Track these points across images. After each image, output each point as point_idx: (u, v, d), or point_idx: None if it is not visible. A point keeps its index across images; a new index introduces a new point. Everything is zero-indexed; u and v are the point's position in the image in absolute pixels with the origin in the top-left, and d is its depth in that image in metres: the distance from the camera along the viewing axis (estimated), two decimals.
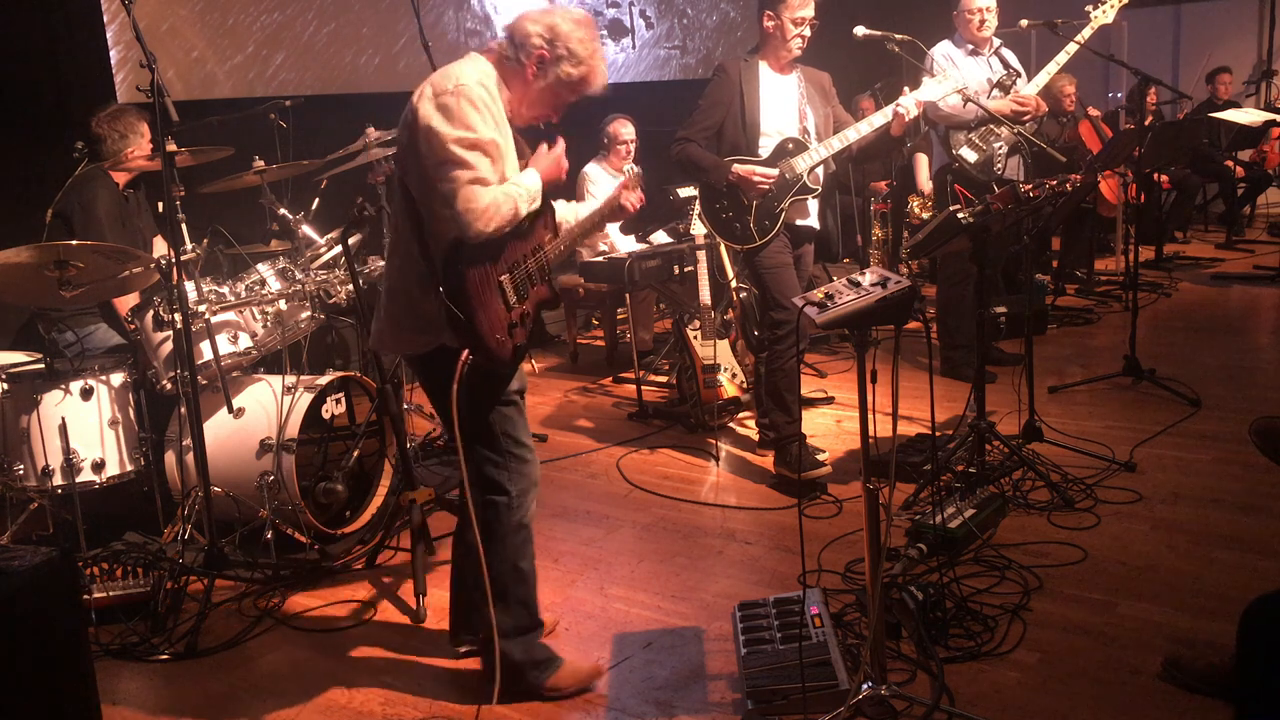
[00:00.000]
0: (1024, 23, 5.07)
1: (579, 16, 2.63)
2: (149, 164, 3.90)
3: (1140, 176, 5.93)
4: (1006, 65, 5.08)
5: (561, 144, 2.71)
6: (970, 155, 4.94)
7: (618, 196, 2.91)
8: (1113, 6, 4.82)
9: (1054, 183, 3.88)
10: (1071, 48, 4.81)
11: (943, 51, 5.02)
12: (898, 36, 4.16)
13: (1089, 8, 4.82)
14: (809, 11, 3.98)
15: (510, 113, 2.59)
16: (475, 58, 2.58)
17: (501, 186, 2.48)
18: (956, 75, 4.13)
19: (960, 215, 3.54)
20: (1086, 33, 4.80)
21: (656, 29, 8.53)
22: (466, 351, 2.50)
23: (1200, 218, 9.73)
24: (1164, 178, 8.44)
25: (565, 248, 2.80)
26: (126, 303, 3.94)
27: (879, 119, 3.94)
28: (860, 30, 4.15)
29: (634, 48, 8.29)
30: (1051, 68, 4.90)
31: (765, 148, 4.05)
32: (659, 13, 8.55)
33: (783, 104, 4.09)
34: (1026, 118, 4.87)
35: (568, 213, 2.90)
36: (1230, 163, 8.81)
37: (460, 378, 2.50)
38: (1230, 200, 9.01)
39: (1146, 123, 5.54)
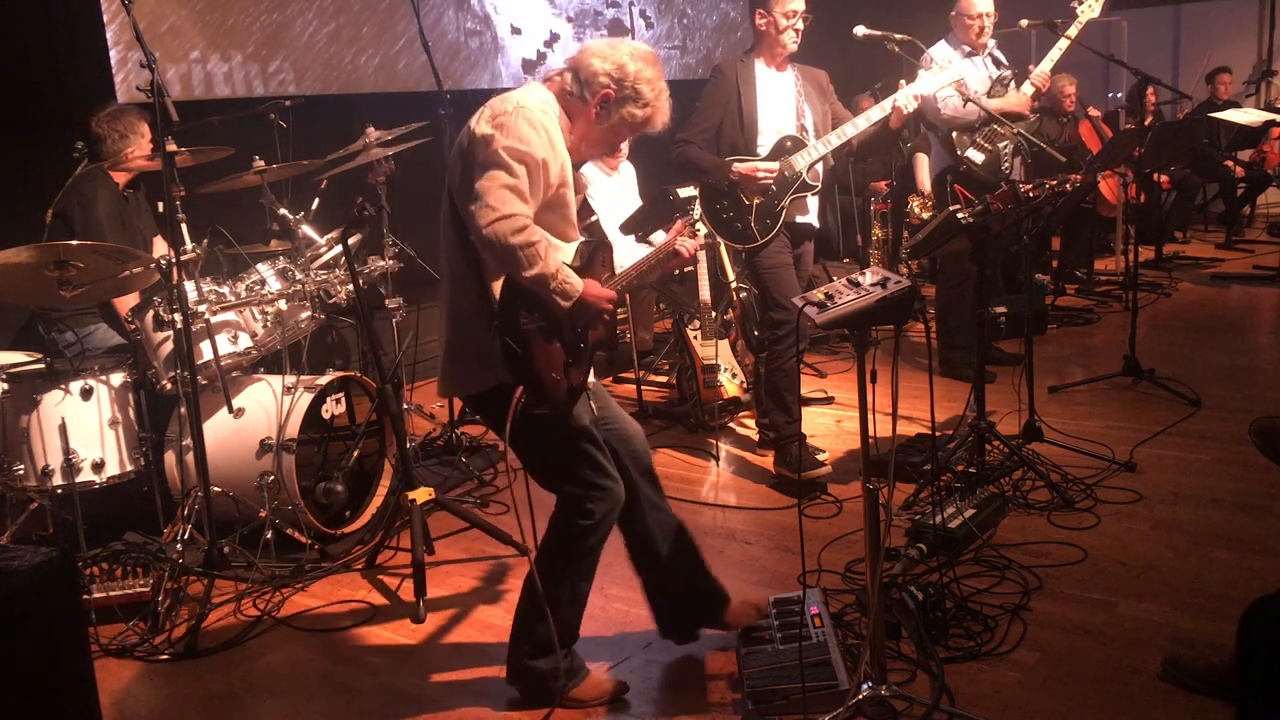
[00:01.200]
0: (1024, 23, 5.08)
1: (645, 53, 2.56)
2: (149, 164, 3.90)
3: (1140, 176, 5.93)
4: (1000, 65, 5.09)
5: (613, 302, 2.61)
6: (977, 156, 4.94)
7: (673, 242, 2.89)
8: (1098, 0, 4.84)
9: (1054, 183, 3.88)
10: (1063, 43, 4.83)
11: (940, 53, 5.02)
12: (897, 36, 4.17)
13: (1074, 3, 4.84)
14: (799, 4, 3.98)
15: (569, 147, 2.53)
16: (537, 86, 2.54)
17: (545, 235, 2.40)
18: (953, 68, 4.13)
19: (960, 215, 3.55)
20: (1074, 29, 4.82)
21: (656, 29, 8.53)
22: (520, 389, 2.44)
23: (1200, 218, 9.73)
24: (1164, 178, 8.44)
25: (621, 289, 2.73)
26: (126, 303, 3.94)
27: (877, 113, 3.95)
28: (860, 30, 4.15)
29: None
30: (1045, 65, 4.91)
31: (764, 146, 4.05)
32: (659, 13, 8.55)
33: (780, 102, 4.09)
34: (1038, 104, 4.92)
35: (624, 258, 2.88)
36: (1230, 163, 8.81)
37: (514, 415, 2.43)
38: (1230, 200, 9.01)
39: (1146, 123, 5.55)
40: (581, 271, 2.55)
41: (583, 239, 2.64)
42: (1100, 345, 5.92)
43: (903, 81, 4.00)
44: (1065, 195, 3.97)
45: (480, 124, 2.40)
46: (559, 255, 2.49)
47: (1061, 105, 7.59)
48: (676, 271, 5.60)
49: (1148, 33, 10.25)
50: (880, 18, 4.44)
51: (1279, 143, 8.78)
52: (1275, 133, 8.36)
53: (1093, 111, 7.79)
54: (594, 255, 2.64)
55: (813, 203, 4.19)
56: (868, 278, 2.49)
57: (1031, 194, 3.78)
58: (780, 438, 4.19)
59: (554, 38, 7.60)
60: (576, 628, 2.73)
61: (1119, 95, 9.32)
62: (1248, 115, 7.72)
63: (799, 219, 4.14)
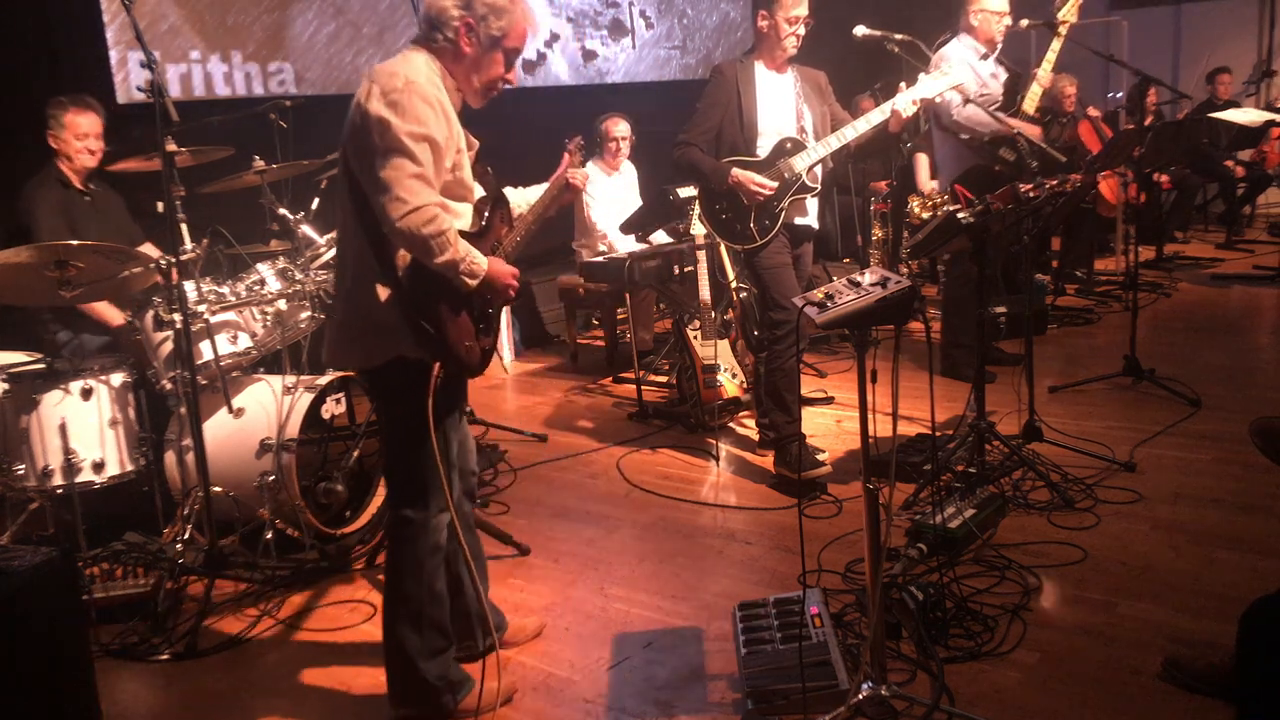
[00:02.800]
0: (1024, 23, 5.08)
1: None
2: (146, 164, 3.90)
3: (1140, 176, 5.92)
4: (1007, 68, 5.11)
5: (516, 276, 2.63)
6: (1009, 154, 4.96)
7: (563, 175, 2.92)
8: (1075, 4, 4.87)
9: (1054, 183, 3.88)
10: (1056, 45, 4.85)
11: (955, 53, 5.00)
12: (897, 36, 4.16)
13: (1055, 6, 4.87)
14: (803, 10, 3.99)
15: (463, 96, 2.56)
16: (414, 53, 2.52)
17: (451, 220, 2.41)
18: (954, 73, 4.13)
19: (960, 215, 3.55)
20: (1063, 30, 4.85)
21: (656, 29, 8.53)
22: (438, 365, 2.47)
23: (1200, 218, 9.73)
24: (1164, 178, 8.43)
25: (521, 238, 2.78)
26: (100, 309, 3.98)
27: (876, 116, 3.95)
28: (860, 30, 4.15)
29: (634, 48, 8.29)
30: (1046, 66, 4.92)
31: (763, 147, 4.06)
32: (659, 13, 8.55)
33: (780, 103, 4.10)
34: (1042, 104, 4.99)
35: (519, 198, 2.89)
36: (1230, 163, 8.80)
37: (434, 391, 2.47)
38: (1230, 200, 9.01)
39: (1146, 123, 5.55)
40: (483, 233, 2.60)
41: (479, 197, 2.66)
42: (1100, 345, 5.92)
43: (902, 84, 4.00)
44: (1065, 195, 3.97)
45: (372, 102, 2.37)
46: (460, 219, 2.52)
47: (1061, 105, 7.59)
48: (676, 270, 5.63)
49: (1148, 33, 10.25)
50: (880, 18, 4.44)
51: (1279, 143, 8.78)
52: (1275, 133, 8.35)
53: (1092, 112, 7.79)
54: (493, 214, 2.67)
55: (812, 204, 4.19)
56: (868, 278, 2.49)
57: (1031, 194, 3.78)
58: (780, 438, 4.20)
59: (554, 38, 7.60)
60: (447, 627, 2.69)
61: (1119, 95, 9.31)
62: (1248, 115, 7.71)
63: (798, 220, 4.14)
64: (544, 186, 3.05)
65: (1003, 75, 5.06)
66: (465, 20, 2.49)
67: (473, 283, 2.46)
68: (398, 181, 2.32)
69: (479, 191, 2.70)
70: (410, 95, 2.36)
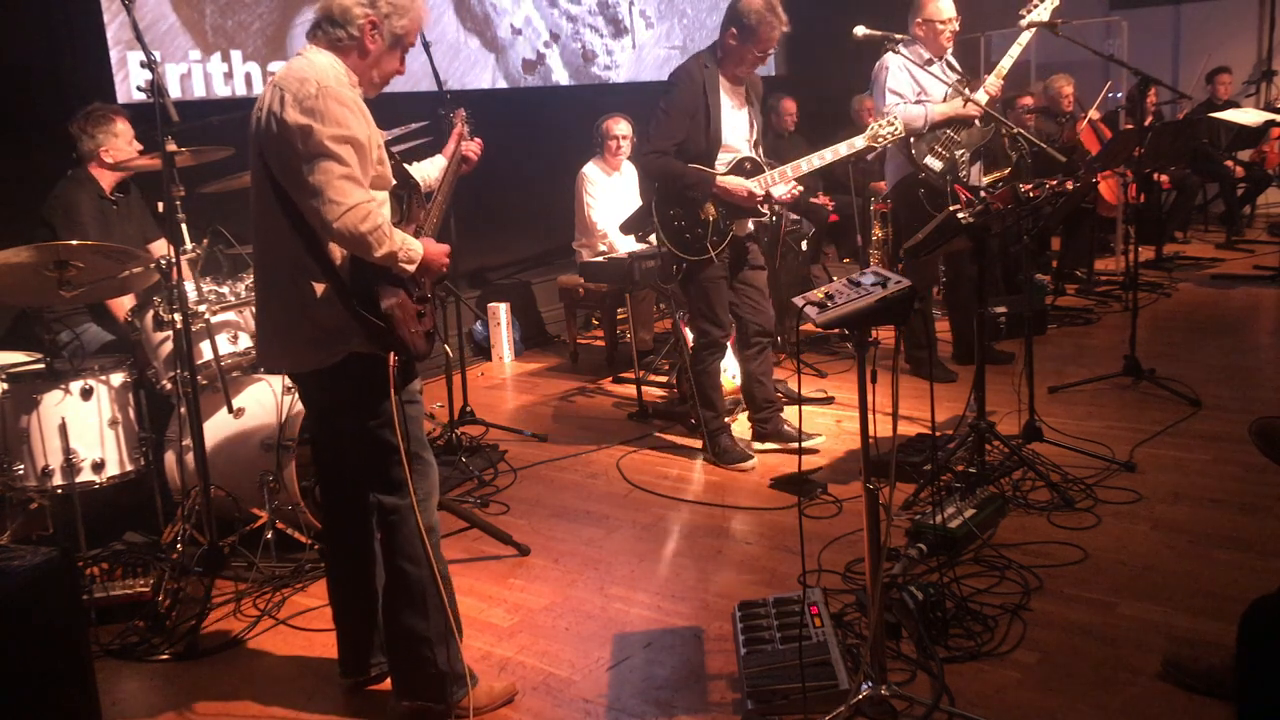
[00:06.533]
0: (1024, 23, 5.08)
1: None
2: (148, 163, 3.90)
3: (1140, 176, 5.92)
4: (955, 70, 5.09)
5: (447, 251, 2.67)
6: (935, 164, 4.97)
7: (458, 149, 3.00)
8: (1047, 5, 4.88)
9: (1054, 183, 3.88)
10: (1014, 51, 4.90)
11: (896, 62, 4.96)
12: (898, 36, 4.17)
13: (1025, 10, 4.86)
14: (772, 44, 4.08)
15: (368, 91, 2.59)
16: (316, 54, 2.51)
17: (386, 217, 2.48)
18: (898, 123, 4.20)
19: (960, 215, 3.55)
20: (1027, 35, 4.89)
21: (656, 29, 8.53)
22: (393, 356, 2.51)
23: (1200, 218, 9.72)
24: (1164, 178, 8.43)
25: (438, 218, 2.82)
26: (122, 304, 3.96)
27: (844, 149, 4.12)
28: (860, 30, 4.16)
29: (634, 48, 8.29)
30: (1006, 63, 4.92)
31: (722, 160, 4.16)
32: (659, 13, 8.55)
33: (738, 115, 4.22)
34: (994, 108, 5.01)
35: (419, 174, 2.94)
36: (1230, 163, 8.80)
37: (394, 384, 2.51)
38: (1230, 200, 9.00)
39: (1146, 123, 5.54)
40: (406, 220, 2.66)
41: (394, 184, 2.68)
42: (1100, 345, 5.92)
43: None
44: (1065, 195, 3.97)
45: (288, 111, 2.38)
46: (383, 208, 2.56)
47: (1060, 105, 7.58)
48: (675, 270, 5.62)
49: (1148, 33, 10.25)
50: (880, 18, 4.44)
51: (1279, 143, 8.78)
52: (1275, 133, 8.35)
53: (1093, 114, 7.79)
54: (411, 200, 2.73)
55: (750, 221, 4.36)
56: (868, 278, 2.49)
57: (1031, 194, 3.78)
58: (709, 431, 4.43)
59: (554, 38, 7.60)
60: (454, 610, 2.67)
61: (1119, 95, 9.32)
62: (1248, 115, 7.71)
63: (738, 234, 4.29)
64: (440, 161, 3.11)
65: (950, 78, 5.02)
66: (370, 19, 2.52)
67: (411, 268, 2.52)
68: (328, 184, 2.37)
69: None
70: (326, 100, 2.39)
